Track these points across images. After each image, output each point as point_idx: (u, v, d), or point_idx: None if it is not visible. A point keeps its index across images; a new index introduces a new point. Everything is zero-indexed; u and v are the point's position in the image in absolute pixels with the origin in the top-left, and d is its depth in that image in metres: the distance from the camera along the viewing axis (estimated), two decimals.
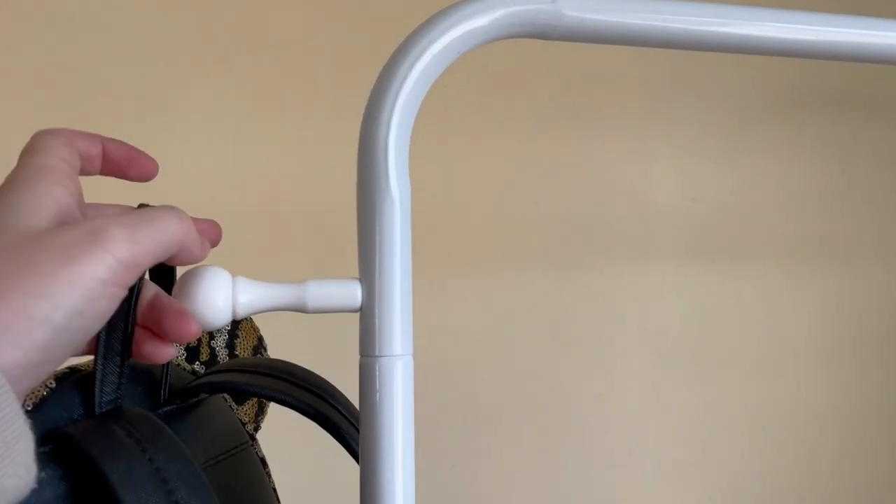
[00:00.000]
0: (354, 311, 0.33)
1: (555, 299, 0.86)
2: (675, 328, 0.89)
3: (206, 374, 0.40)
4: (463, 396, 0.83)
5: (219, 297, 0.30)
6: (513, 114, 0.86)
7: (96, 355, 0.31)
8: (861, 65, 0.87)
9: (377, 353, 0.32)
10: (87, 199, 0.30)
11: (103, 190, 0.34)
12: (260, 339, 0.48)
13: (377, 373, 0.32)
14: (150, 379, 0.37)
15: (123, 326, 0.31)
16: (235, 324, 0.46)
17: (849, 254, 0.93)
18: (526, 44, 0.78)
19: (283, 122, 0.77)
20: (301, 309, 0.32)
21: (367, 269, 0.32)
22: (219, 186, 0.77)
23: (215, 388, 0.38)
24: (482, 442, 0.84)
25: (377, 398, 0.32)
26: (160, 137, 0.77)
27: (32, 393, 0.31)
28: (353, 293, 0.32)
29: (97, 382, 0.31)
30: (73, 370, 0.33)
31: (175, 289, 0.31)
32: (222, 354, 0.45)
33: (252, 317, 0.47)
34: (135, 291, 0.30)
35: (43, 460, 0.28)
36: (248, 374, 0.39)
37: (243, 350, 0.46)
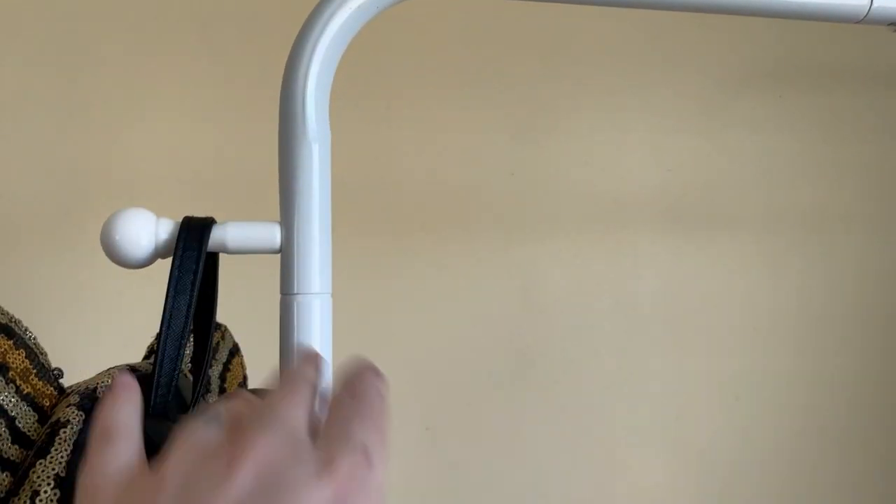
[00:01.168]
0: (275, 252, 0.34)
1: (530, 269, 0.87)
2: (649, 297, 0.90)
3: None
4: (438, 363, 0.85)
5: (143, 235, 0.32)
6: (487, 84, 0.87)
7: (157, 363, 0.32)
8: (841, 36, 0.87)
9: (295, 291, 0.34)
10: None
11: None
12: (245, 377, 0.50)
13: (295, 309, 0.33)
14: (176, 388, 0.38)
15: (180, 340, 0.32)
16: (229, 358, 0.48)
17: (825, 225, 0.93)
18: (503, 12, 0.79)
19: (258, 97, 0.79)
20: (222, 249, 0.33)
21: (287, 212, 0.34)
22: (197, 157, 0.79)
23: None
24: (456, 407, 0.85)
25: (294, 335, 0.33)
26: (140, 110, 0.79)
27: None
28: (272, 235, 0.34)
29: (154, 387, 0.33)
30: (132, 368, 0.34)
31: (102, 230, 0.33)
32: (215, 385, 0.46)
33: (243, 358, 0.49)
34: (192, 300, 0.32)
35: None
36: None
37: (231, 383, 0.48)
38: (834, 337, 0.93)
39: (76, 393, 0.33)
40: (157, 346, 0.32)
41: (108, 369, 0.33)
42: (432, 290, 0.85)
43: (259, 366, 0.43)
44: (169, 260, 0.33)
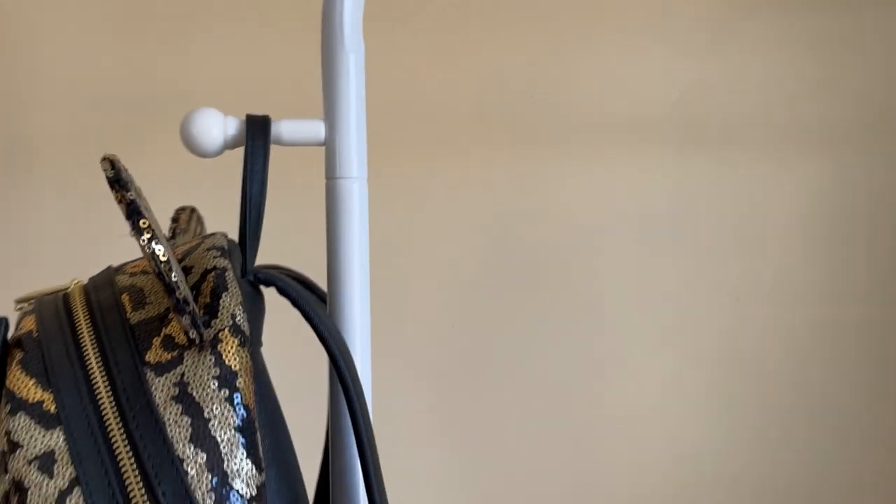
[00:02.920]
0: (320, 144, 0.42)
1: (543, 182, 0.94)
2: (659, 209, 0.96)
3: (266, 267, 0.42)
4: (452, 269, 0.92)
5: (214, 130, 0.40)
6: (498, 7, 0.92)
7: (241, 240, 0.38)
8: None
9: (338, 175, 0.41)
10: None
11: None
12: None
13: (337, 190, 0.41)
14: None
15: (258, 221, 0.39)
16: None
17: (836, 140, 0.98)
18: None
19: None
20: (277, 142, 0.41)
21: (329, 111, 0.41)
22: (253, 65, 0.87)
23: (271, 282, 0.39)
24: (474, 307, 0.93)
25: (338, 210, 0.41)
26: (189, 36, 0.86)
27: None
28: (318, 130, 0.41)
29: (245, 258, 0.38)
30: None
31: (181, 126, 0.40)
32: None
33: None
34: (264, 184, 0.39)
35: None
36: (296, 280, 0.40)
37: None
38: (845, 245, 0.97)
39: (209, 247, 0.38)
40: (241, 227, 0.39)
41: (207, 237, 0.40)
42: (449, 205, 0.92)
43: (299, 247, 0.51)
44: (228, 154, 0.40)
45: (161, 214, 0.37)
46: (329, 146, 0.41)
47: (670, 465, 0.94)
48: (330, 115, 0.41)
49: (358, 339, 0.42)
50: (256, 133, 0.40)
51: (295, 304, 0.37)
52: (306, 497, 0.37)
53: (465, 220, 0.92)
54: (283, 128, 0.41)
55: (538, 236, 0.93)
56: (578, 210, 0.94)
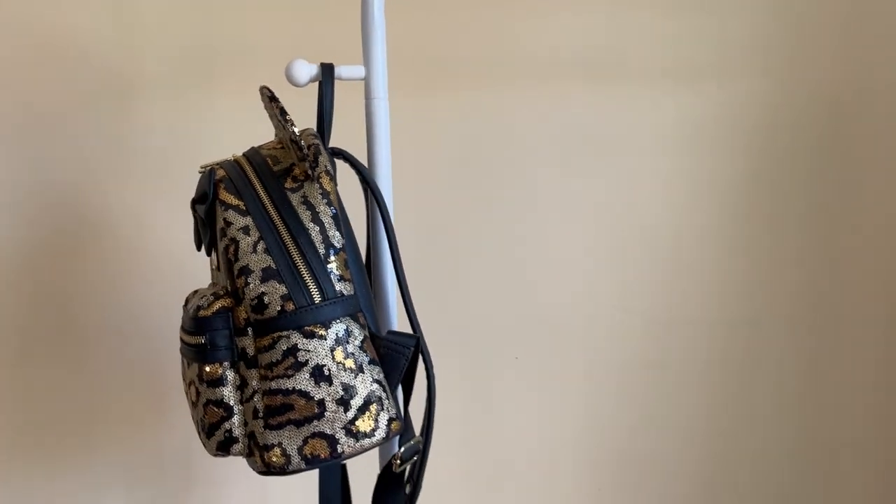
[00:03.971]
0: (362, 79, 0.74)
1: (492, 109, 1.24)
2: (573, 129, 1.25)
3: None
4: (429, 169, 1.24)
5: (305, 70, 0.72)
6: None
7: (320, 128, 0.70)
8: None
9: (372, 97, 0.73)
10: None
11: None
12: None
13: (373, 106, 0.73)
14: None
15: (330, 127, 0.72)
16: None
17: (693, 76, 1.26)
18: None
19: None
20: (338, 77, 0.73)
21: (367, 57, 0.73)
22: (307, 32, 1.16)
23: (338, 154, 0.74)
24: (445, 196, 1.25)
25: (373, 117, 0.73)
26: None
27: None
28: (361, 71, 0.73)
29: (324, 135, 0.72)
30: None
31: (287, 68, 0.72)
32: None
33: None
34: (332, 106, 0.71)
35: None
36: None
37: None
38: (702, 159, 1.29)
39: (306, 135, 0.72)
40: (318, 125, 0.71)
41: (306, 129, 0.72)
42: (428, 124, 1.22)
43: (349, 142, 0.82)
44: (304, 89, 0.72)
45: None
46: (367, 81, 0.73)
47: (571, 299, 1.28)
48: (367, 62, 0.73)
49: (386, 192, 0.75)
50: (326, 73, 0.72)
51: (351, 163, 0.70)
52: (363, 265, 0.70)
53: (439, 134, 1.22)
54: (341, 70, 0.73)
55: (488, 149, 1.24)
56: (516, 129, 1.24)
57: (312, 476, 0.80)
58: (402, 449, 0.68)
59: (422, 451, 0.70)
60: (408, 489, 0.72)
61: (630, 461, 1.32)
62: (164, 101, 1.10)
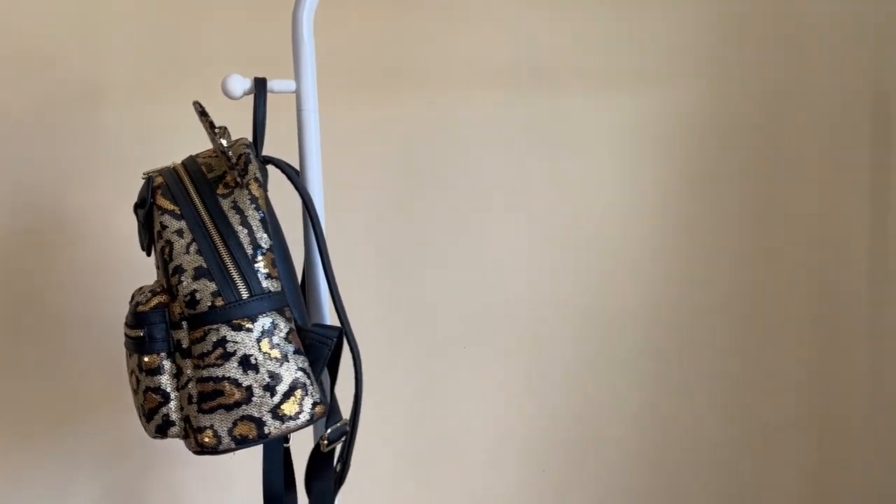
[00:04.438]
0: (292, 92, 0.80)
1: (438, 110, 1.31)
2: (515, 129, 1.31)
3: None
4: (380, 165, 1.31)
5: (239, 84, 0.78)
6: None
7: (254, 138, 0.77)
8: None
9: (303, 108, 0.80)
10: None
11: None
12: None
13: (303, 116, 0.80)
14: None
15: (263, 134, 0.78)
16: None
17: (634, 78, 1.34)
18: None
19: None
20: (270, 91, 0.79)
21: (297, 72, 0.79)
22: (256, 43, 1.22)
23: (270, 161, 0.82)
24: (395, 190, 1.32)
25: (304, 126, 0.80)
26: None
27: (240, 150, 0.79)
28: (292, 85, 0.80)
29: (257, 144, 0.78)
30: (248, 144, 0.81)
31: (223, 83, 0.78)
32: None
33: None
34: (264, 116, 0.78)
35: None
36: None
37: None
38: (645, 158, 1.37)
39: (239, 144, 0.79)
40: (253, 135, 0.78)
41: (239, 139, 0.79)
42: (373, 126, 1.29)
43: (280, 149, 0.88)
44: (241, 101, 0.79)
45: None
46: (298, 93, 0.80)
47: (516, 293, 1.35)
48: (297, 77, 0.80)
49: (317, 195, 0.81)
50: (259, 87, 0.78)
51: (282, 170, 0.76)
52: (293, 264, 0.77)
53: (385, 136, 1.28)
54: (274, 84, 0.79)
55: (432, 151, 1.30)
56: (460, 132, 1.30)
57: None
58: (329, 430, 0.75)
59: (349, 433, 0.77)
60: (338, 468, 0.79)
61: (573, 445, 1.39)
62: (130, 107, 1.16)
